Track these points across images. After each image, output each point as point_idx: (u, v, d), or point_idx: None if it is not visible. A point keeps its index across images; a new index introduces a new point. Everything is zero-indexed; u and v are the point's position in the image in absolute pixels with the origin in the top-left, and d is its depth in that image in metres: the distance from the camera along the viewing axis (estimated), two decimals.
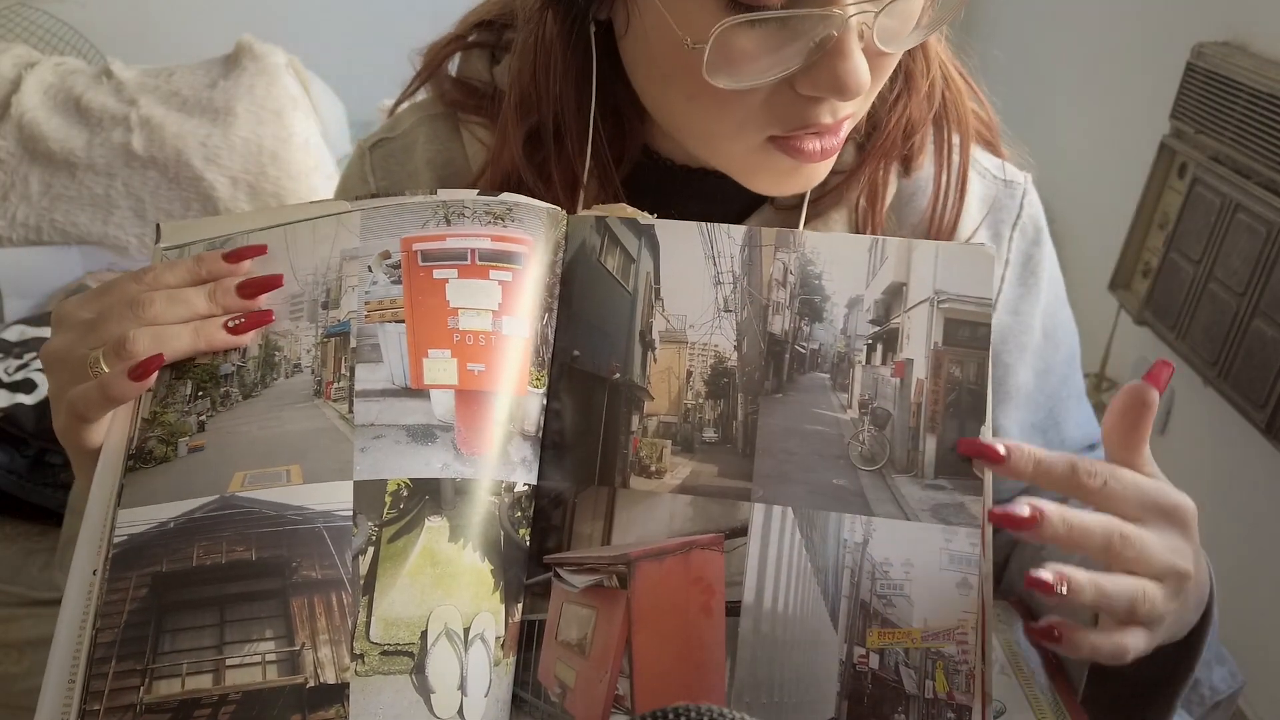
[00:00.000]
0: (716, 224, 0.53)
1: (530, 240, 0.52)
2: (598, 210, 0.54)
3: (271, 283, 0.51)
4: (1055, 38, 2.28)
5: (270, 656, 0.45)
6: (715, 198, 0.64)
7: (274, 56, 1.98)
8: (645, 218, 0.53)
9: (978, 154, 0.69)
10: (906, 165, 0.66)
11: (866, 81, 0.50)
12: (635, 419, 0.51)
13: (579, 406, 0.51)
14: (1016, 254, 0.69)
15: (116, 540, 0.47)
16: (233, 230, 0.54)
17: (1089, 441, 0.73)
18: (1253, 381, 1.49)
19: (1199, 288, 1.60)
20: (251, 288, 0.51)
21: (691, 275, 0.52)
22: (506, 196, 0.52)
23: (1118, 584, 0.46)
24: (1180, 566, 0.48)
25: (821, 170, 0.58)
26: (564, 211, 0.54)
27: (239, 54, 1.97)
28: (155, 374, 0.49)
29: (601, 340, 0.52)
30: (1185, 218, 1.65)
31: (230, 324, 0.51)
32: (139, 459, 0.49)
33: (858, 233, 0.65)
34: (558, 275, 0.52)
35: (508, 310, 0.50)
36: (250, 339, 0.51)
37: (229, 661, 0.45)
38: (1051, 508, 0.46)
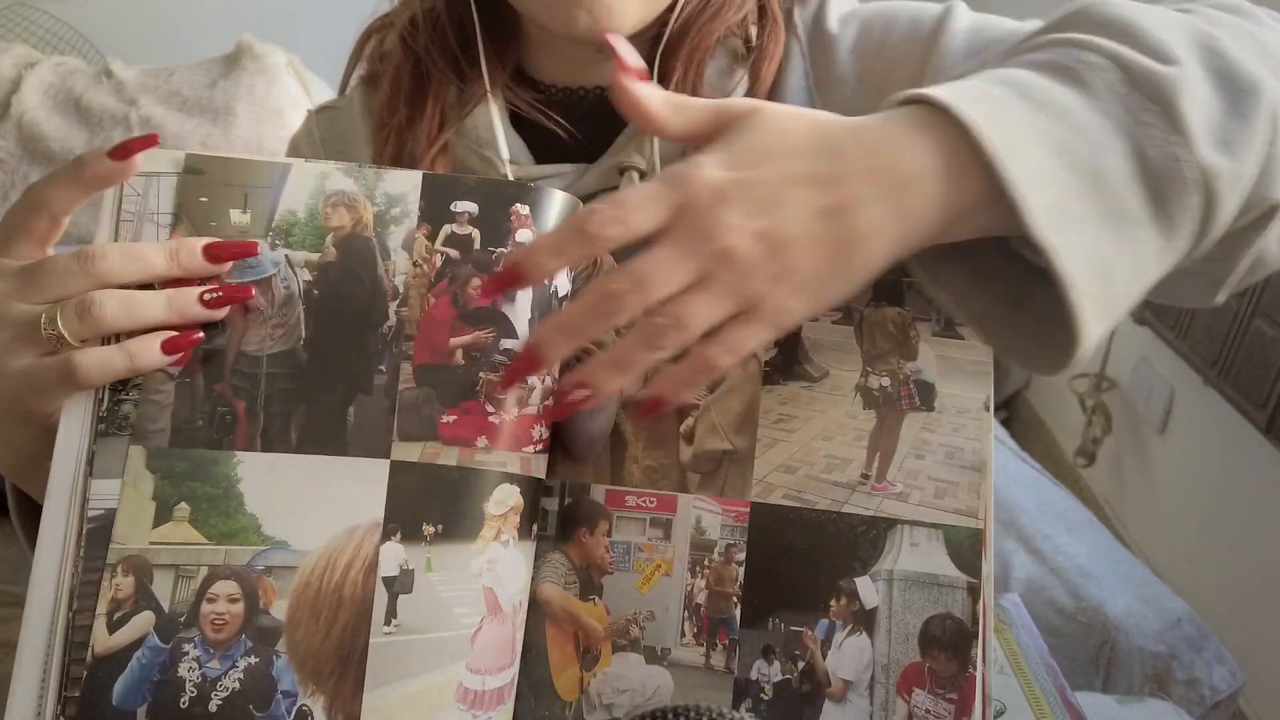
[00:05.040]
0: None
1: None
2: None
3: (245, 249, 0.47)
4: None
5: None
6: (591, 117, 0.66)
7: (274, 56, 1.98)
8: None
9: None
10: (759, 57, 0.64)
11: None
12: None
13: None
14: (806, 47, 0.66)
15: (91, 514, 0.44)
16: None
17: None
18: (1253, 381, 1.49)
19: None
20: (220, 251, 0.46)
21: None
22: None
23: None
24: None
25: (611, 7, 0.57)
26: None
27: (239, 54, 1.97)
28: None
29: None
30: None
31: (206, 296, 0.46)
32: (111, 423, 0.45)
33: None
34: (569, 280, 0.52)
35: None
36: (224, 314, 0.47)
37: None
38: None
